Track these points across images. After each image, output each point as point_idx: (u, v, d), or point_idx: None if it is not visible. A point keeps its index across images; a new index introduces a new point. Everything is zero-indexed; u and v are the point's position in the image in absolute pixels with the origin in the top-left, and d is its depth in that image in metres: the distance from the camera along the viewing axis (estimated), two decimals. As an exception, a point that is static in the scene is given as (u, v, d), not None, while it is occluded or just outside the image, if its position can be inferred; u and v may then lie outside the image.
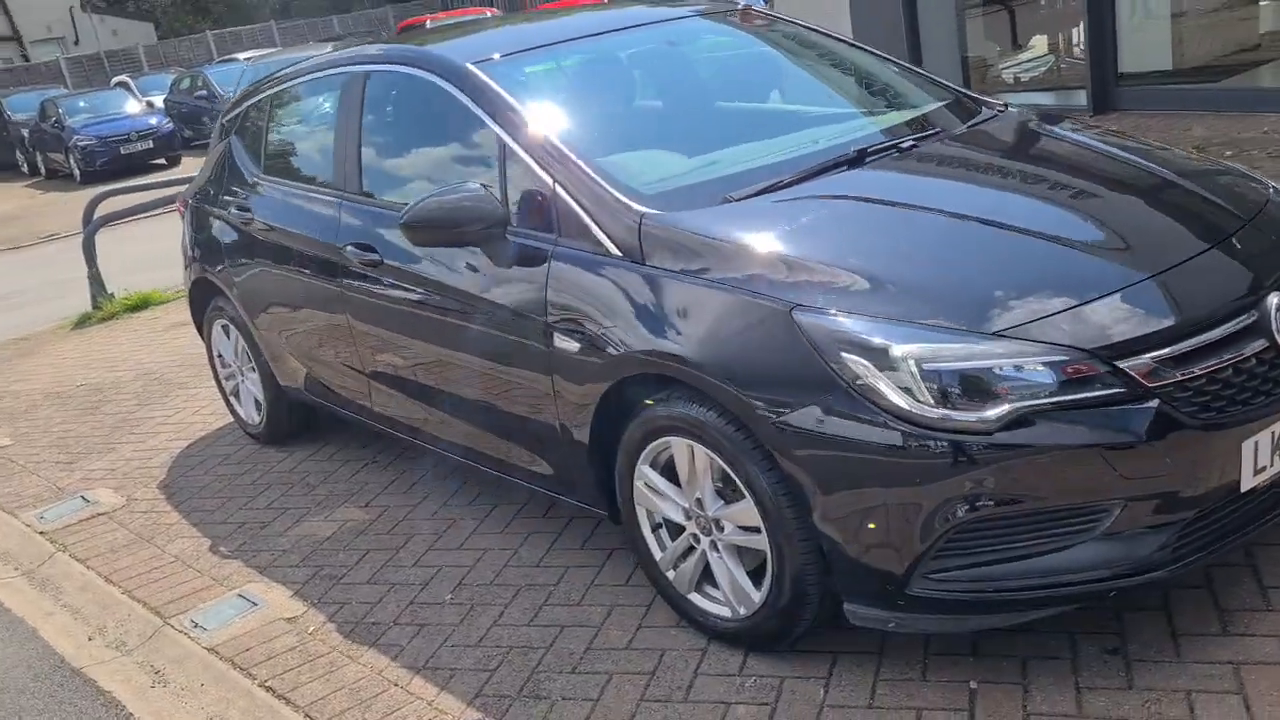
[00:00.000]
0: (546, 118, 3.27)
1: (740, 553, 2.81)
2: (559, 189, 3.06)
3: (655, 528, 3.03)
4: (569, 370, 3.00)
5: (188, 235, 5.06)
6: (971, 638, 2.74)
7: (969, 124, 3.41)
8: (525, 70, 3.55)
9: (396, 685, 3.04)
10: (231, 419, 5.33)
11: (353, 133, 3.88)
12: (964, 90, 3.81)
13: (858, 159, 3.11)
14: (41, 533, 4.50)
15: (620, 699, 2.81)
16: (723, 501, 2.79)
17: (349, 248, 3.77)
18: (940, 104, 3.59)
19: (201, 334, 5.24)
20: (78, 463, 5.27)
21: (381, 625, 3.36)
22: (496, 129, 3.27)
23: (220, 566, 3.93)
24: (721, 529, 2.80)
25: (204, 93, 21.59)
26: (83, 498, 4.75)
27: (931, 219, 2.81)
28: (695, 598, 2.96)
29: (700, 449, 2.74)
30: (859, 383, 2.40)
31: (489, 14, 22.94)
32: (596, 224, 2.96)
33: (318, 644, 3.31)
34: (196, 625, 3.53)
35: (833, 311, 2.48)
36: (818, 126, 3.48)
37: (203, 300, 5.05)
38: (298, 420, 4.89)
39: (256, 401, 4.94)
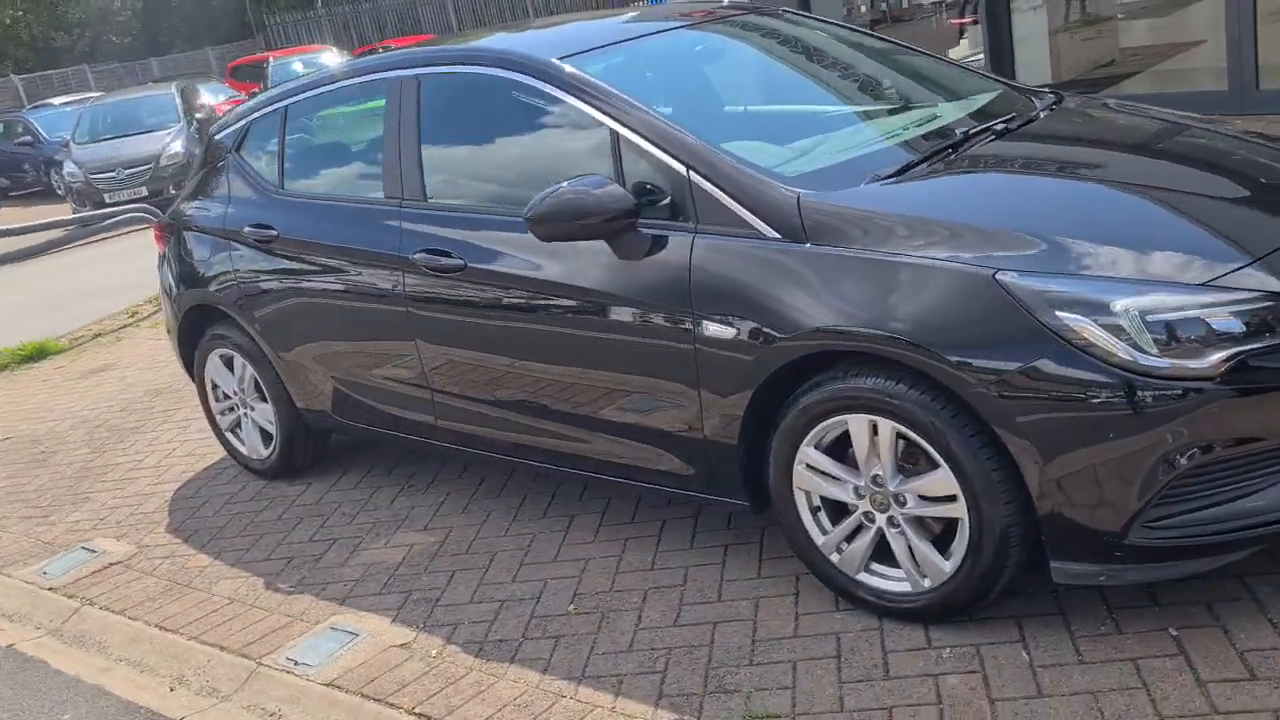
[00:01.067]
0: (657, 109, 3.23)
1: (920, 525, 2.82)
2: (695, 176, 3.02)
3: (813, 511, 3.00)
4: (719, 359, 2.96)
5: (172, 263, 4.74)
6: (1147, 590, 2.83)
7: (1052, 105, 3.56)
8: (607, 66, 3.50)
9: (564, 696, 2.91)
10: (223, 456, 5.01)
11: (409, 138, 3.73)
12: (1016, 82, 3.97)
13: (978, 137, 3.20)
14: (51, 589, 4.11)
15: (818, 684, 2.77)
16: (902, 476, 2.80)
17: (419, 255, 3.61)
18: (1010, 91, 3.73)
19: (189, 369, 4.90)
20: (53, 515, 4.83)
21: (510, 641, 3.21)
22: (610, 122, 3.21)
23: (289, 603, 3.68)
24: (903, 503, 2.81)
25: (27, 138, 20.24)
26: (85, 549, 4.36)
27: (1082, 185, 2.92)
28: (865, 577, 2.95)
29: (886, 424, 2.74)
30: (1079, 340, 2.45)
31: (328, 50, 22.43)
32: (746, 208, 2.94)
33: (451, 666, 3.14)
34: (297, 663, 3.29)
35: (1039, 273, 2.54)
36: (902, 113, 3.55)
37: (194, 331, 4.73)
38: (313, 450, 4.63)
39: (264, 433, 4.65)
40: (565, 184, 3.07)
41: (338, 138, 4.27)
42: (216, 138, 4.64)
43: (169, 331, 4.99)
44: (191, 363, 4.87)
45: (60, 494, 5.08)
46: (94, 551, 4.32)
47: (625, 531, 3.71)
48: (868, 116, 3.59)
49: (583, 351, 3.29)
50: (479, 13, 28.57)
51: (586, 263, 3.22)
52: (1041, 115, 3.48)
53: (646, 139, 3.13)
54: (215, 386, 4.78)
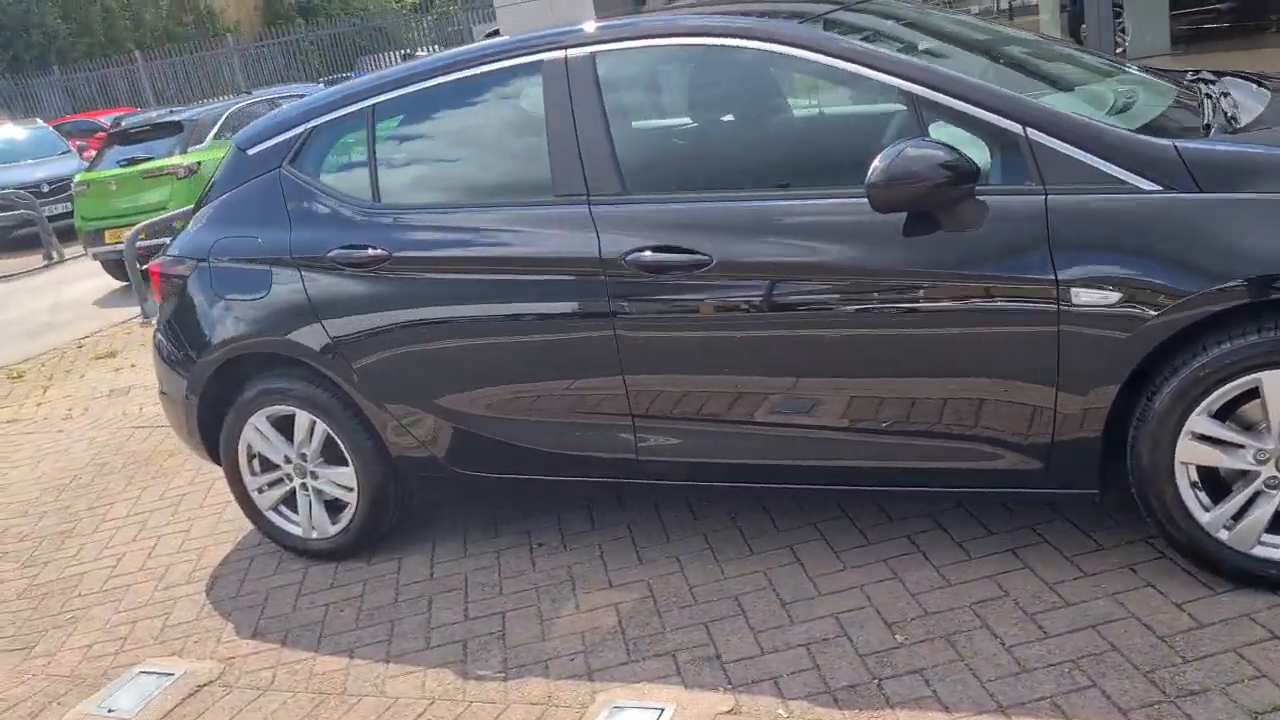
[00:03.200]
0: (954, 71, 2.93)
1: (1334, 485, 2.65)
2: (1036, 134, 2.75)
3: (1192, 486, 2.76)
4: (1095, 328, 2.68)
5: (188, 310, 3.84)
6: None
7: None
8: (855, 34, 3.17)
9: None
10: (233, 546, 4.14)
11: (591, 123, 3.20)
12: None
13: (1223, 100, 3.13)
14: (136, 728, 3.14)
15: (1287, 667, 2.51)
16: (1317, 434, 2.63)
17: (636, 255, 3.09)
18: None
19: (206, 441, 3.98)
20: (41, 645, 3.74)
21: (864, 685, 2.73)
22: (910, 86, 2.87)
23: (521, 688, 2.98)
24: (1317, 462, 2.63)
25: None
26: (149, 672, 3.38)
27: None
28: (1261, 550, 2.74)
29: (1310, 376, 2.56)
30: None
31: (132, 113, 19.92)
32: (1112, 163, 2.69)
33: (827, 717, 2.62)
34: (610, 753, 2.64)
35: None
36: (1104, 84, 3.42)
37: (225, 392, 3.85)
38: (397, 517, 3.87)
39: (332, 505, 3.84)
40: (906, 145, 2.70)
41: (455, 135, 3.60)
42: (249, 152, 3.82)
43: (168, 397, 4.04)
44: (208, 433, 3.96)
45: (28, 618, 3.96)
46: (166, 674, 3.35)
47: (879, 552, 3.31)
48: (1078, 88, 3.44)
49: (899, 346, 2.90)
50: (180, 84, 26.76)
51: (892, 243, 2.84)
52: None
53: (966, 100, 2.82)
54: (254, 458, 3.90)
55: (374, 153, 3.59)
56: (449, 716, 2.92)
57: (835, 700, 2.69)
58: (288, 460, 3.84)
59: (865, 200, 2.79)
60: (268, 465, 3.90)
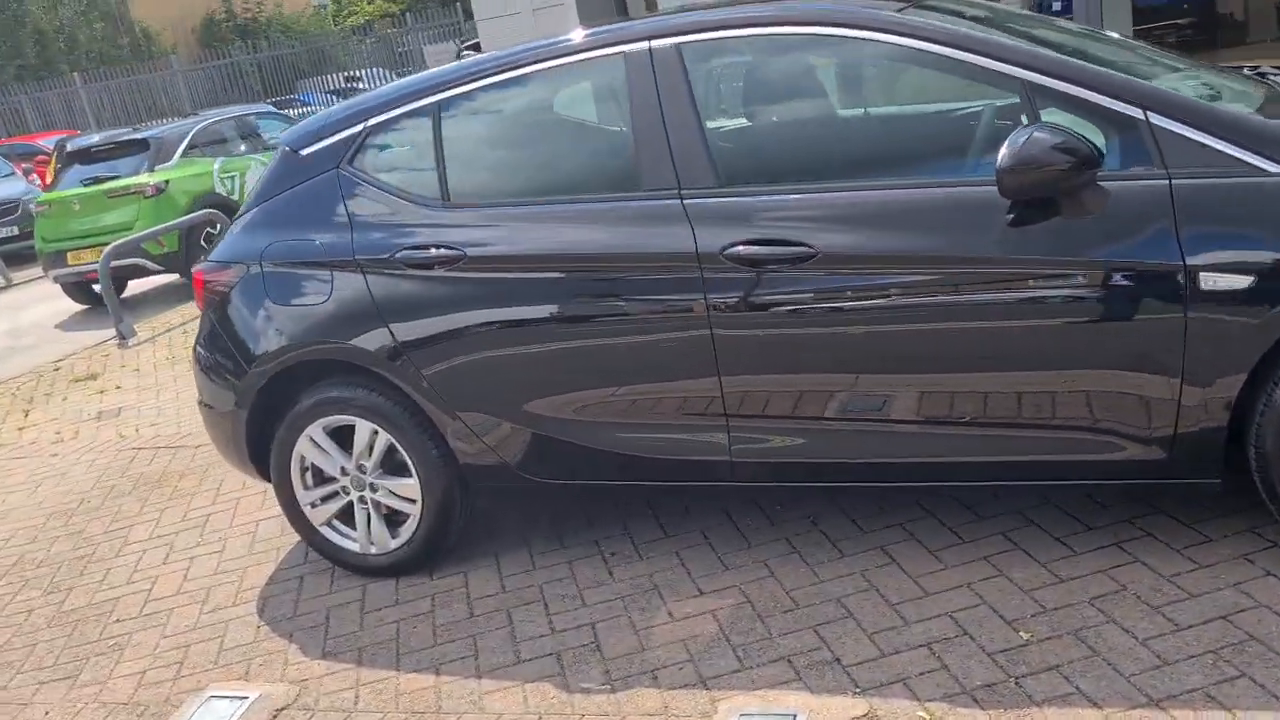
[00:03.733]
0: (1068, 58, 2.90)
1: None
2: (1157, 118, 2.72)
3: (1315, 472, 2.74)
4: (1223, 314, 2.65)
5: (236, 319, 3.68)
6: None
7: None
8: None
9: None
10: (279, 563, 3.95)
11: (680, 115, 3.12)
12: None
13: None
14: (220, 756, 2.96)
15: None
16: None
17: (736, 249, 3.00)
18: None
19: (254, 456, 3.81)
20: (85, 673, 3.54)
21: (1001, 683, 2.65)
22: (1023, 73, 2.83)
23: (636, 699, 2.86)
24: None
25: None
26: (222, 697, 3.20)
27: None
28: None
29: None
30: None
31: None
32: (1234, 145, 2.67)
33: (974, 723, 2.54)
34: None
35: None
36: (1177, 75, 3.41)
37: (275, 404, 3.68)
38: (462, 526, 3.73)
39: (393, 518, 3.69)
40: (1032, 130, 2.65)
41: (529, 130, 3.49)
42: (302, 153, 3.67)
43: (213, 411, 3.86)
44: (256, 447, 3.79)
45: (65, 645, 3.74)
46: (240, 697, 3.17)
47: (967, 550, 3.24)
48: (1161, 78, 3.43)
49: (1017, 338, 2.84)
50: (119, 107, 26.19)
51: (1010, 231, 2.79)
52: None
53: (1084, 86, 2.79)
54: (307, 470, 3.73)
55: (441, 150, 3.47)
56: (570, 730, 2.79)
57: (975, 700, 2.61)
58: (344, 473, 3.68)
59: (977, 189, 2.75)
60: (321, 479, 3.73)
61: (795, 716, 2.66)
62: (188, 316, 8.90)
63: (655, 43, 3.20)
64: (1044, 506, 3.39)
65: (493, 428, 3.43)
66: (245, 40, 33.25)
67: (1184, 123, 2.71)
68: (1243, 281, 2.62)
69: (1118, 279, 2.72)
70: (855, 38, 3.02)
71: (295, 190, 3.66)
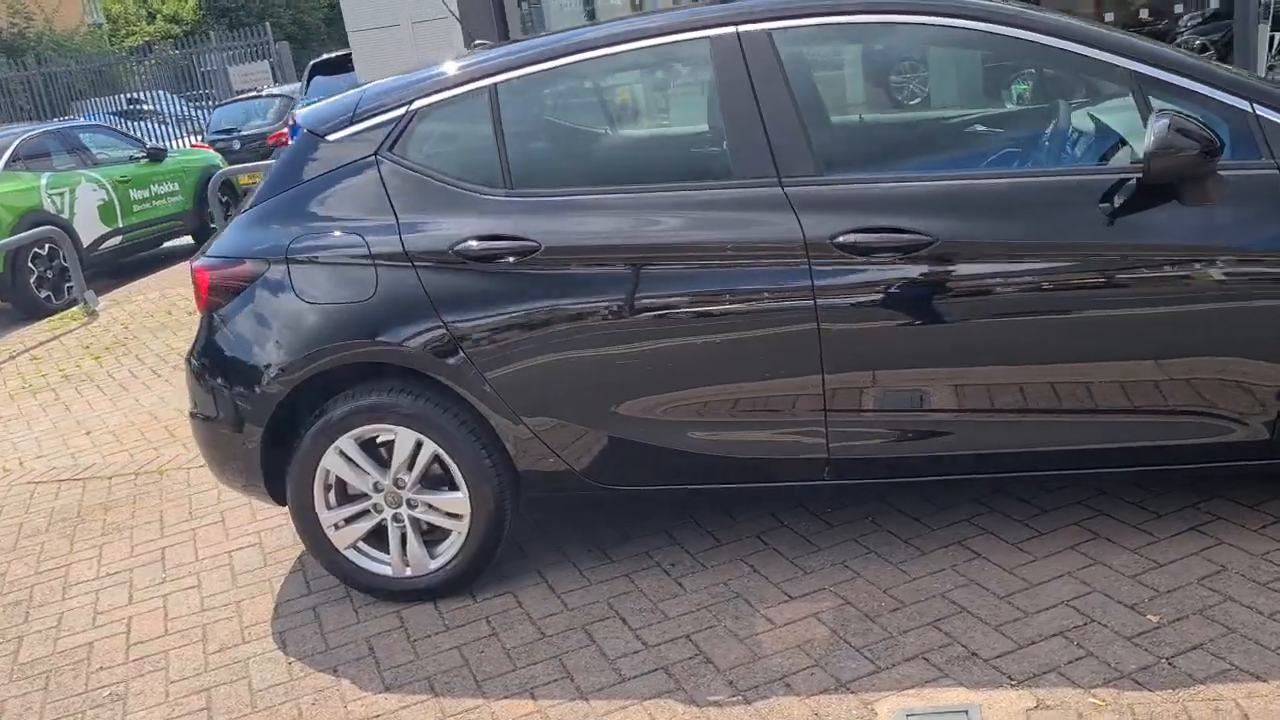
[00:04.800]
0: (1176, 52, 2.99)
1: None
2: (1263, 110, 2.84)
3: None
4: (1334, 297, 2.78)
5: (279, 313, 3.29)
6: None
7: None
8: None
9: (1343, 690, 2.49)
10: (276, 596, 3.57)
11: (776, 103, 3.03)
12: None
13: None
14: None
15: None
16: None
17: (847, 236, 2.93)
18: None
19: (268, 475, 3.43)
20: (111, 711, 3.07)
21: (1155, 664, 2.66)
22: (1135, 65, 2.90)
23: (774, 710, 2.70)
24: None
25: None
26: (289, 741, 2.82)
27: None
28: None
29: None
30: None
31: None
32: (1340, 139, 2.82)
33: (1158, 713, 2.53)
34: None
35: None
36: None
37: (295, 416, 3.34)
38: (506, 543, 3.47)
39: (431, 537, 3.40)
40: (1167, 118, 2.70)
41: (601, 115, 3.31)
42: (329, 138, 3.36)
43: (215, 424, 3.45)
44: (271, 466, 3.42)
45: (45, 700, 3.24)
46: (312, 741, 2.80)
47: (1049, 541, 3.26)
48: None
49: (1135, 325, 2.88)
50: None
51: (1125, 218, 2.84)
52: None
53: (1194, 79, 2.88)
54: (330, 488, 3.39)
55: (502, 135, 3.24)
56: (717, 747, 2.60)
57: (1139, 683, 2.61)
58: (378, 488, 3.35)
59: (1097, 176, 2.81)
60: (347, 497, 3.39)
61: (967, 712, 2.57)
62: (31, 342, 8.06)
63: (744, 28, 3.09)
64: (1100, 498, 3.45)
65: (563, 432, 3.21)
66: (10, 58, 30.82)
67: (1283, 114, 2.83)
68: (1351, 266, 2.75)
69: (1242, 265, 2.80)
70: (964, 27, 3.01)
71: (325, 178, 3.33)
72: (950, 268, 2.91)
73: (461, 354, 3.16)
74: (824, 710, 2.67)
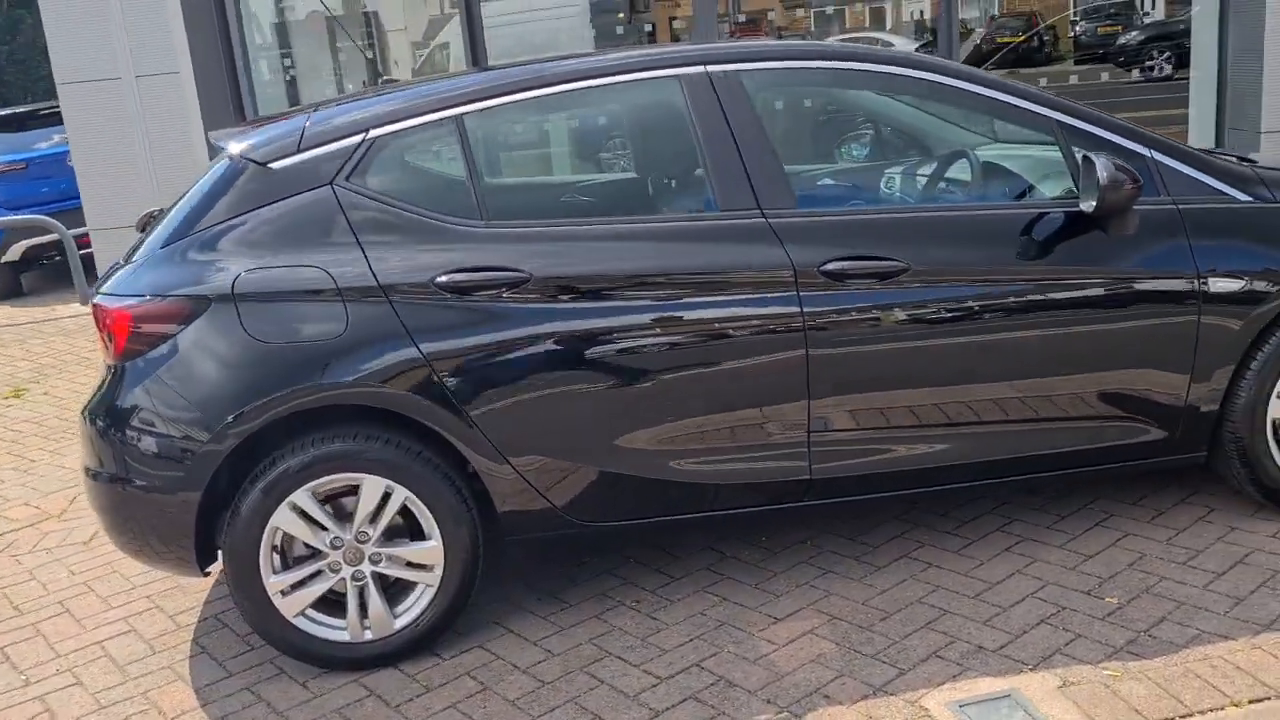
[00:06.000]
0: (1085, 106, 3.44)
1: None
2: (1159, 156, 3.34)
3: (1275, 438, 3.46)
4: (1223, 310, 3.29)
5: (225, 355, 2.97)
6: None
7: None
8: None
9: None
10: (223, 674, 3.20)
11: (752, 139, 3.19)
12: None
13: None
14: None
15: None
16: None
17: (832, 264, 3.12)
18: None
19: (200, 540, 3.06)
20: None
21: (1138, 638, 2.98)
22: (1053, 114, 3.31)
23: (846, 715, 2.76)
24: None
25: None
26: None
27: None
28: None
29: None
30: None
31: None
32: (1215, 179, 3.37)
33: (1162, 675, 2.83)
34: (1018, 740, 2.59)
35: None
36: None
37: (245, 467, 3.03)
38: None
39: (392, 593, 3.17)
40: (1101, 158, 3.10)
41: (575, 146, 3.27)
42: (272, 166, 3.10)
43: (137, 489, 3.04)
44: (207, 529, 3.07)
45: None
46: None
47: (987, 545, 3.56)
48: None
49: (1082, 339, 3.24)
50: None
51: (1068, 248, 3.23)
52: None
53: (1102, 128, 3.33)
54: (277, 548, 3.09)
55: (472, 166, 3.15)
56: (794, 760, 2.61)
57: (1135, 654, 2.90)
58: (335, 545, 3.09)
59: (1041, 211, 3.19)
60: (294, 559, 3.10)
61: (1010, 695, 2.75)
62: None
63: (712, 68, 3.22)
64: (1006, 506, 3.81)
65: (550, 470, 3.11)
66: None
67: (1178, 160, 3.34)
68: (1236, 285, 3.27)
69: (1154, 283, 3.25)
70: (912, 77, 3.31)
71: (271, 208, 3.07)
72: (920, 292, 3.16)
73: (444, 392, 3.00)
74: (876, 713, 2.75)
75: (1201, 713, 2.64)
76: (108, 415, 3.04)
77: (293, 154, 3.11)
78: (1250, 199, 3.38)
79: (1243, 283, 3.28)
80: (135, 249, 3.20)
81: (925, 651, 3.00)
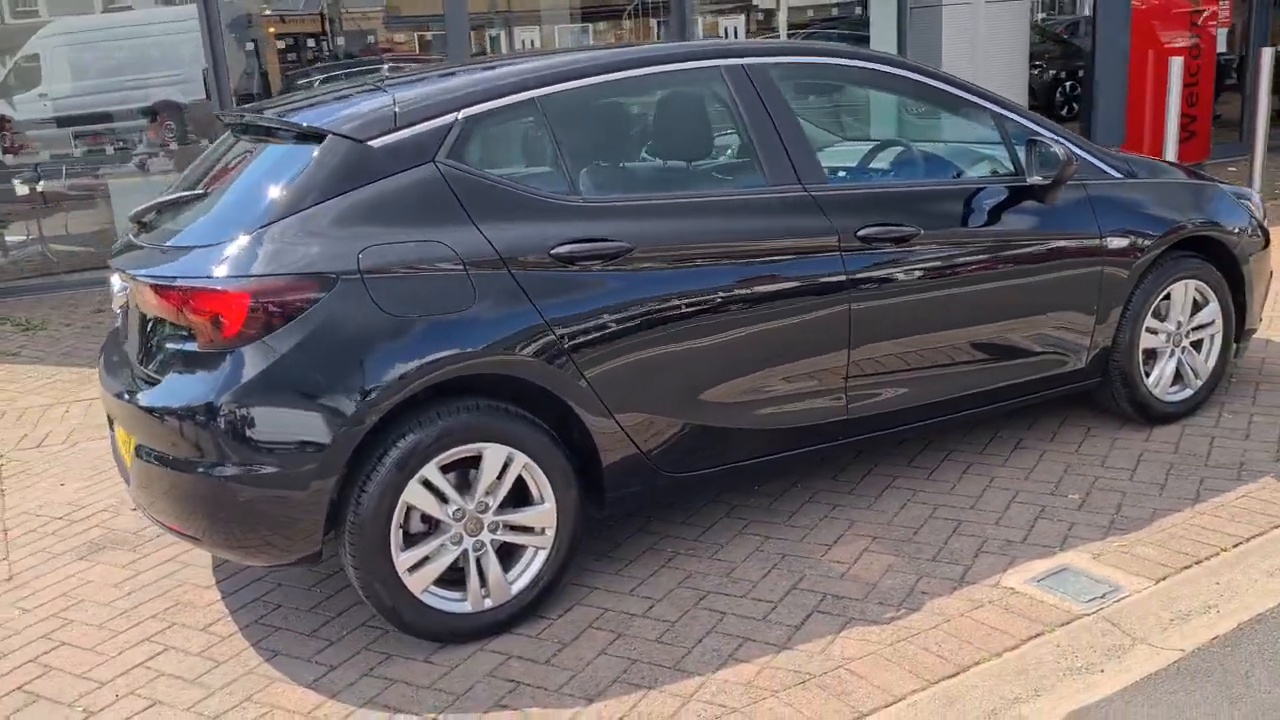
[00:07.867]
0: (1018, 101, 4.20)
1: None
2: (1072, 146, 4.16)
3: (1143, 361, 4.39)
4: (1117, 262, 4.17)
5: (360, 332, 2.93)
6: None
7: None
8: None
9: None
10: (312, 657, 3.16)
11: (790, 126, 3.65)
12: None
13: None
14: None
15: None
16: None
17: (868, 230, 3.64)
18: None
19: (328, 525, 3.01)
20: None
21: (1142, 518, 3.74)
22: (995, 108, 4.05)
23: (932, 604, 3.25)
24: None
25: None
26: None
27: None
28: (1169, 396, 4.49)
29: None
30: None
31: None
32: (1102, 163, 4.26)
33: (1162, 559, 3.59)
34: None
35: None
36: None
37: (369, 446, 3.03)
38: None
39: (508, 558, 3.28)
40: (1052, 140, 3.86)
41: (639, 128, 3.51)
42: (372, 143, 3.11)
43: (264, 476, 2.93)
44: (336, 515, 3.03)
45: None
46: None
47: (950, 468, 4.21)
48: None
49: (1034, 288, 3.97)
50: None
51: (1023, 216, 3.97)
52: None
53: (1028, 121, 4.11)
54: (408, 521, 3.11)
55: (559, 145, 3.33)
56: (925, 628, 3.07)
57: (1121, 530, 3.63)
58: (457, 517, 3.14)
59: (1008, 184, 3.90)
60: (415, 536, 3.12)
61: (1066, 569, 3.38)
62: None
63: (753, 59, 3.64)
64: (944, 439, 4.49)
65: (649, 424, 3.35)
66: None
67: (1082, 149, 4.19)
68: (1123, 242, 4.17)
69: (1073, 238, 4.06)
70: (885, 71, 3.92)
71: (375, 185, 3.08)
72: (927, 252, 3.75)
73: (564, 355, 3.16)
74: (975, 597, 3.27)
75: (1200, 561, 3.40)
76: (218, 404, 2.89)
77: (390, 131, 3.13)
78: (1122, 176, 4.29)
79: (1128, 240, 4.17)
80: (172, 232, 3.11)
81: (972, 549, 3.56)
